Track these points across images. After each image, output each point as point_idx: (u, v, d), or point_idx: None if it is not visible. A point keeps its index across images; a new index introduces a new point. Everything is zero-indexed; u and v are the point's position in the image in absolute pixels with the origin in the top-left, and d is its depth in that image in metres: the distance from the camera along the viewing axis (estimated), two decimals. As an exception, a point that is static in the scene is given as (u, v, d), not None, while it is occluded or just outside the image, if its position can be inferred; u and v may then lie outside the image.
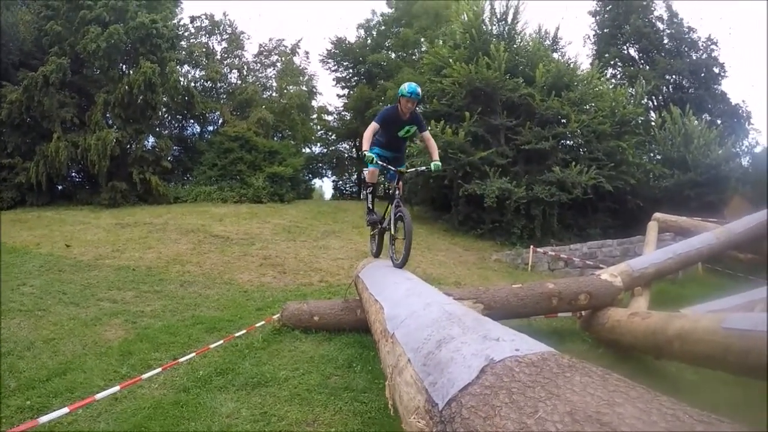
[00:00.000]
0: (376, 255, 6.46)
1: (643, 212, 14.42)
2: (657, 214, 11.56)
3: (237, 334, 5.20)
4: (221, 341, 4.93)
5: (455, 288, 8.16)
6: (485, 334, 1.86)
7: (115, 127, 19.61)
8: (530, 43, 20.99)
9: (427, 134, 6.01)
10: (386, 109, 6.12)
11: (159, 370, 3.99)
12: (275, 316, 5.76)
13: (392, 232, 5.61)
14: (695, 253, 8.04)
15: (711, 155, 18.36)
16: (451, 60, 18.74)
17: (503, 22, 20.37)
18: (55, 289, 7.37)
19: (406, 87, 5.68)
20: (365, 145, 5.65)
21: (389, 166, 5.75)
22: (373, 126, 5.79)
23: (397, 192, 5.70)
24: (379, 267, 5.24)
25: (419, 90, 5.67)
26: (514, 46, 20.26)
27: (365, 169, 6.11)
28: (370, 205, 6.30)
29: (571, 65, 20.47)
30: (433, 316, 2.37)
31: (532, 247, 13.08)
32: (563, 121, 17.55)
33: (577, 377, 1.29)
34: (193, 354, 4.44)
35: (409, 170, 5.99)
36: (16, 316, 5.84)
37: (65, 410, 3.01)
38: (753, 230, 8.90)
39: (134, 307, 6.66)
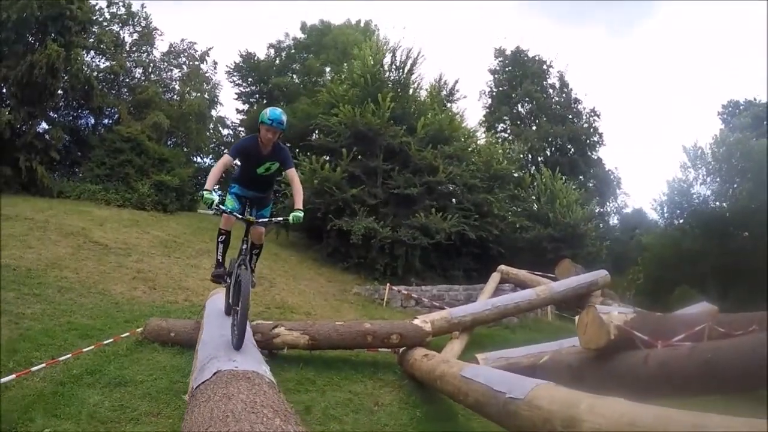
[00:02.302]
0: (227, 312, 5.49)
1: (505, 259, 16.45)
2: (501, 266, 13.49)
3: (105, 342, 6.47)
4: (92, 347, 6.20)
5: (303, 319, 9.81)
6: (232, 358, 3.72)
7: (9, 106, 19.30)
8: (423, 93, 23.33)
9: (292, 172, 5.20)
10: (244, 140, 5.53)
11: (44, 364, 5.29)
12: (139, 330, 7.09)
13: (230, 301, 5.12)
14: (513, 306, 9.51)
15: (571, 215, 20.96)
16: (345, 99, 20.54)
17: (400, 70, 22.49)
18: (-65, 284, 8.13)
19: (268, 112, 4.92)
20: (208, 181, 4.82)
21: (237, 215, 5.08)
22: (225, 160, 5.09)
23: (244, 245, 5.10)
24: (222, 297, 6.59)
25: (284, 118, 4.97)
26: (408, 93, 22.48)
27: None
28: (219, 256, 5.44)
29: (458, 119, 22.69)
30: (220, 342, 4.27)
31: (388, 284, 14.82)
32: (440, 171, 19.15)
33: (242, 383, 3.12)
34: (69, 355, 5.72)
35: (260, 220, 5.24)
36: None
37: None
38: (574, 290, 10.69)
39: (16, 308, 7.64)
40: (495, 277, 13.09)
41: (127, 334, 6.93)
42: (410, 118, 21.05)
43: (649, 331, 5.21)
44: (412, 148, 19.47)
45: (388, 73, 22.16)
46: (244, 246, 5.13)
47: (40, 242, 12.04)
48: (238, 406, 2.71)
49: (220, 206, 4.98)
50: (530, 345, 7.67)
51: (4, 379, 4.67)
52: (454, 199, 20.12)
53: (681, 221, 25.82)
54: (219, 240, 5.41)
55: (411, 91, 22.99)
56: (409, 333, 7.27)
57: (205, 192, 4.69)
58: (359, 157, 19.62)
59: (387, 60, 22.28)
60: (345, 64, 25.84)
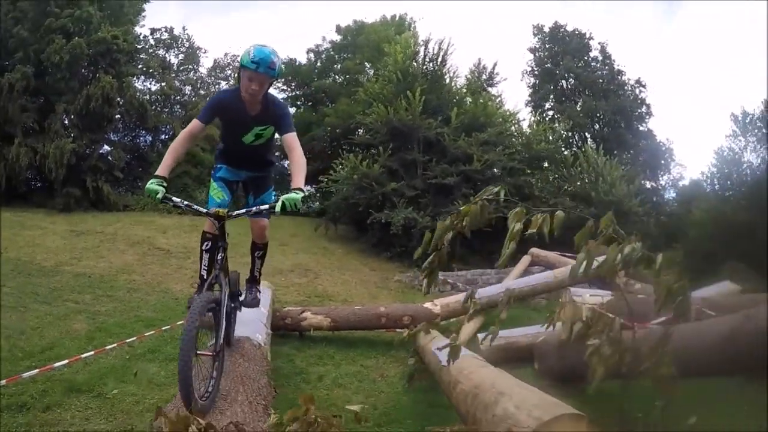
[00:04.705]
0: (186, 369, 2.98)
1: (547, 241, 16.46)
2: (532, 249, 13.53)
3: (164, 328, 7.63)
4: (153, 332, 7.38)
5: (331, 304, 10.73)
6: (255, 329, 4.66)
7: (72, 136, 21.25)
8: (460, 81, 24.14)
9: (291, 138, 3.68)
10: (220, 94, 4.27)
11: (115, 345, 6.47)
12: (193, 318, 8.24)
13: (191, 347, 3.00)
14: (529, 289, 9.45)
15: (615, 192, 20.55)
16: (380, 97, 21.36)
17: (434, 62, 23.12)
18: (29, 290, 9.55)
19: (252, 51, 3.49)
20: (161, 164, 3.52)
21: (199, 209, 3.56)
22: (190, 127, 3.71)
23: (219, 255, 3.62)
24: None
25: (275, 59, 3.55)
26: (443, 83, 23.09)
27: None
28: (203, 271, 3.93)
29: (494, 104, 23.03)
30: (250, 317, 5.17)
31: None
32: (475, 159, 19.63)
33: (246, 344, 4.14)
34: (134, 338, 6.89)
35: (236, 213, 3.54)
36: (6, 311, 8.02)
37: (65, 361, 5.51)
38: (595, 272, 11.20)
39: (92, 307, 9.03)
40: (524, 260, 13.30)
41: (182, 321, 8.06)
42: (446, 108, 21.65)
43: (628, 313, 5.29)
44: (447, 139, 20.11)
45: (422, 66, 22.83)
46: (220, 255, 3.63)
47: (111, 252, 13.60)
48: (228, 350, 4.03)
49: (172, 198, 3.42)
50: (532, 326, 7.73)
51: (85, 355, 5.85)
52: (493, 185, 20.24)
53: (731, 192, 24.63)
54: (203, 248, 3.90)
55: (448, 79, 23.65)
56: (419, 315, 7.88)
57: (151, 181, 3.35)
58: (400, 151, 20.33)
59: (420, 53, 23.07)
60: (383, 61, 26.49)
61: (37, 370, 5.24)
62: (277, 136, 4.02)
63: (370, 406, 5.45)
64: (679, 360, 3.97)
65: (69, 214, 18.94)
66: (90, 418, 4.56)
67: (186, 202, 3.46)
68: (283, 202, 3.27)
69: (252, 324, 5.20)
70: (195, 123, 3.70)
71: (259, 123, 3.80)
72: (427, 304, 8.28)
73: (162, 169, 3.45)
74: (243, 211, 3.62)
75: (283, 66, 3.77)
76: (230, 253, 3.81)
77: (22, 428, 4.25)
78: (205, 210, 3.58)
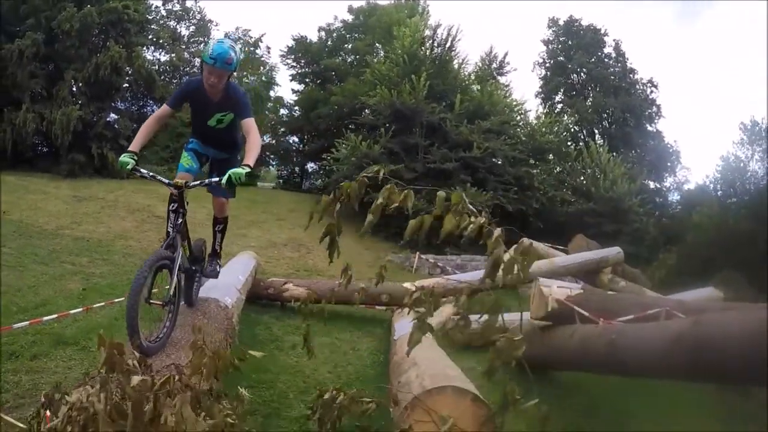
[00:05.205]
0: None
1: (546, 233, 16.71)
2: (523, 239, 13.97)
3: (153, 291, 8.04)
4: (143, 295, 7.78)
5: (317, 278, 11.06)
6: (226, 293, 4.99)
7: (79, 103, 21.48)
8: (469, 68, 24.33)
9: (249, 123, 4.15)
10: (187, 83, 4.77)
11: (103, 304, 6.80)
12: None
13: (146, 293, 3.55)
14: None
15: (616, 190, 20.74)
16: (387, 79, 21.49)
17: (442, 47, 23.23)
18: (28, 251, 9.91)
19: (211, 47, 3.98)
20: (134, 141, 4.09)
21: (162, 179, 4.04)
22: (160, 111, 4.35)
23: (180, 220, 4.10)
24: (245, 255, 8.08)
25: (233, 54, 3.99)
26: (450, 69, 23.20)
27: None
28: (169, 228, 4.14)
29: (498, 93, 23.27)
30: (224, 282, 5.50)
31: (417, 253, 15.79)
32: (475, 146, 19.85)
33: (203, 301, 4.70)
34: (122, 299, 7.24)
35: (192, 183, 4.11)
36: (5, 269, 8.34)
37: (54, 316, 5.87)
38: (580, 266, 11.12)
39: (88, 269, 9.41)
40: (513, 250, 13.55)
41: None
42: (451, 94, 21.82)
43: (595, 308, 5.20)
44: (449, 124, 20.31)
45: (430, 51, 23.04)
46: (179, 220, 4.10)
47: (110, 218, 14.01)
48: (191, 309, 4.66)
49: (140, 170, 3.96)
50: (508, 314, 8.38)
51: (73, 311, 6.20)
52: (493, 173, 20.33)
53: (733, 200, 23.96)
54: (169, 208, 4.16)
55: (456, 65, 23.80)
56: (397, 294, 8.16)
57: (123, 155, 3.93)
58: (402, 133, 20.52)
59: (429, 38, 23.33)
60: (392, 44, 26.52)
61: (27, 322, 5.59)
62: None
63: (335, 375, 5.82)
64: (627, 359, 4.16)
65: (73, 180, 19.21)
66: (72, 368, 4.94)
67: (151, 174, 4.04)
68: (229, 175, 3.78)
69: (224, 288, 5.57)
70: (164, 107, 4.30)
71: (221, 110, 4.29)
72: (406, 284, 8.55)
73: (133, 146, 4.02)
74: (198, 182, 4.22)
75: (241, 57, 3.80)
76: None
77: (9, 373, 4.63)
78: (166, 181, 4.06)
